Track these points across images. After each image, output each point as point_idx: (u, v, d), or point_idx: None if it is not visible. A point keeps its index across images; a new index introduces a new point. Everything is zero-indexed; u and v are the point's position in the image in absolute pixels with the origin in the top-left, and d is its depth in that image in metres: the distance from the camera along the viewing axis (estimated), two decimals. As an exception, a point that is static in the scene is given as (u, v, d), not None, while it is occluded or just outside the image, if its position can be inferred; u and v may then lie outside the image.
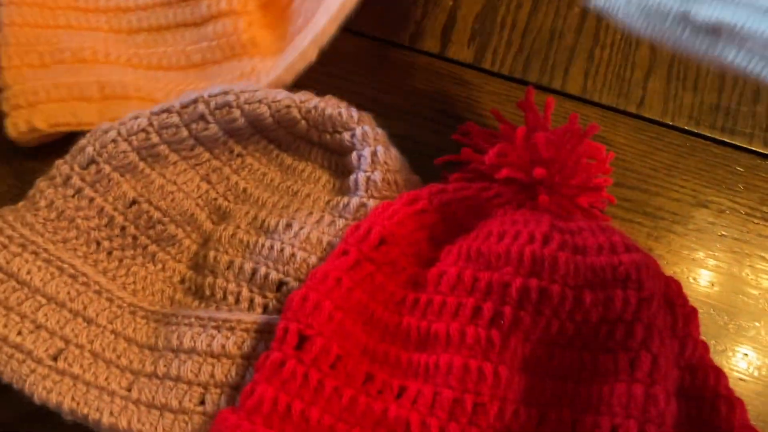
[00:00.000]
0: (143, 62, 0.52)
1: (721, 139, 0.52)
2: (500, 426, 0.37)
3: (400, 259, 0.42)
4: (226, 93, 0.44)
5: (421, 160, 0.49)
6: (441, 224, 0.44)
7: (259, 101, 0.45)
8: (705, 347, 0.42)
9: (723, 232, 0.49)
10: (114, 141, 0.44)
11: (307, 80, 0.48)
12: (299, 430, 0.35)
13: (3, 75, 0.48)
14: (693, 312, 0.42)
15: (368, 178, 0.44)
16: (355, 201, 0.44)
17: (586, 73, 0.53)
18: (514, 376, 0.38)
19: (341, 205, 0.45)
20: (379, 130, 0.46)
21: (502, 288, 0.39)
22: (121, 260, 0.44)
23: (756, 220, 0.49)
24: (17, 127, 0.47)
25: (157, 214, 0.45)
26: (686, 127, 0.52)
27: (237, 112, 0.45)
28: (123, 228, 0.44)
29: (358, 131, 0.46)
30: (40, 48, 0.50)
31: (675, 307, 0.42)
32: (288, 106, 0.46)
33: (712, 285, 0.48)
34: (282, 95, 0.46)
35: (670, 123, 0.52)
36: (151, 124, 0.44)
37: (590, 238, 0.41)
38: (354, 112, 0.46)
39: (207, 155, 0.46)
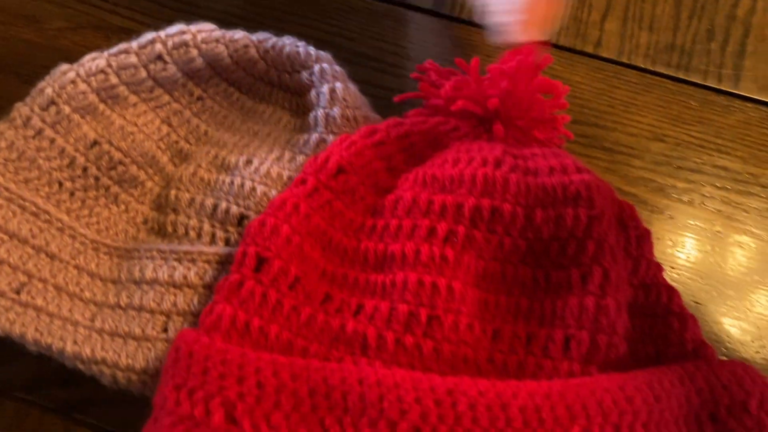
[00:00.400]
0: None
1: (676, 76, 0.53)
2: (455, 338, 0.37)
3: (358, 188, 0.43)
4: (183, 32, 0.45)
5: (383, 106, 0.49)
6: (399, 155, 0.45)
7: (216, 41, 0.46)
8: (659, 267, 0.43)
9: (679, 164, 0.50)
10: (73, 82, 0.44)
11: (267, 25, 0.48)
12: (258, 345, 0.36)
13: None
14: (646, 233, 0.43)
15: (327, 115, 0.45)
16: (315, 137, 0.45)
17: (543, 16, 0.54)
18: (468, 292, 0.39)
19: (301, 141, 0.45)
20: (338, 68, 0.47)
21: (456, 209, 0.40)
22: (83, 201, 0.45)
23: (710, 152, 0.50)
24: None
25: (118, 155, 0.45)
26: (642, 66, 0.53)
27: (194, 52, 0.45)
28: (85, 169, 0.45)
29: (317, 69, 0.46)
30: None
31: (628, 229, 0.43)
32: (246, 46, 0.46)
33: (670, 216, 0.49)
34: (239, 35, 0.46)
35: (627, 62, 0.53)
36: (109, 65, 0.45)
37: (542, 161, 0.42)
38: (312, 50, 0.47)
39: (167, 97, 0.47)
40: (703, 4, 0.55)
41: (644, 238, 0.43)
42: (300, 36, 0.49)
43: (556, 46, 0.53)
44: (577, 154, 0.50)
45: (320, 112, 0.45)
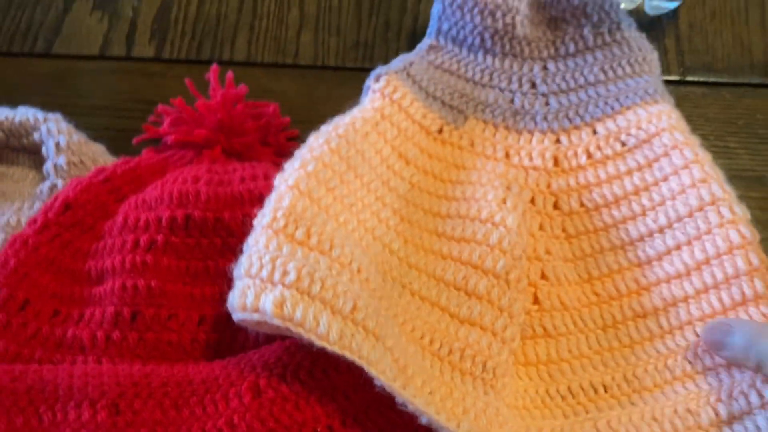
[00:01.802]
0: None
1: (363, 67, 0.62)
2: (158, 327, 0.46)
3: (86, 219, 0.51)
4: None
5: (128, 148, 0.58)
6: (127, 187, 0.54)
7: (-45, 122, 0.55)
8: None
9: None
10: None
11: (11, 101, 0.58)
12: (-14, 361, 0.44)
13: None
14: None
15: (55, 164, 0.54)
16: (47, 185, 0.54)
17: (249, 42, 0.65)
18: (170, 288, 0.48)
19: (38, 191, 0.55)
20: (65, 125, 0.56)
21: (157, 222, 0.49)
22: None
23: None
24: None
25: None
26: (335, 65, 0.63)
27: (-66, 135, 0.54)
28: None
29: (44, 128, 0.56)
30: None
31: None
32: (-19, 123, 0.55)
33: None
34: (-27, 115, 0.56)
35: (321, 64, 0.63)
36: None
37: (238, 173, 0.52)
38: (40, 115, 0.56)
39: None
40: (379, 3, 0.65)
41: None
42: (42, 105, 0.59)
43: (262, 64, 0.63)
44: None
45: (49, 164, 0.55)
